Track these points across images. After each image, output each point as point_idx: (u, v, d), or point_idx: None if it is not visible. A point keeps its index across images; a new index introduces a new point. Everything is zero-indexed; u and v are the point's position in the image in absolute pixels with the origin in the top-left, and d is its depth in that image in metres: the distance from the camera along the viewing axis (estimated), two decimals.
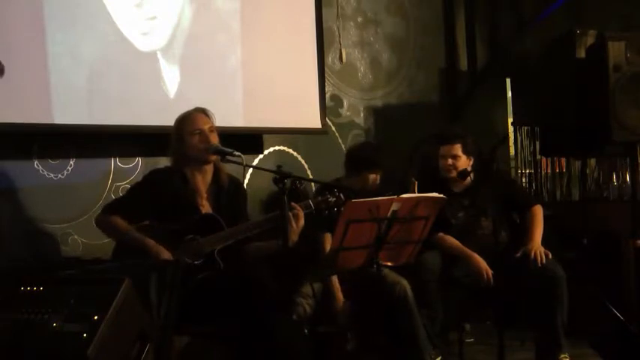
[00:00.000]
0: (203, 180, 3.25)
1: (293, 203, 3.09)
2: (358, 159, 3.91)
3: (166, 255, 3.01)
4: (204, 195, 3.24)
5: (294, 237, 3.06)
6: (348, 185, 3.87)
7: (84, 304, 2.53)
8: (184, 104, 3.39)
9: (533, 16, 5.34)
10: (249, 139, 4.36)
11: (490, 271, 3.74)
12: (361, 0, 5.16)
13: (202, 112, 3.26)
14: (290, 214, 3.03)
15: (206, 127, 3.20)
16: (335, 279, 3.71)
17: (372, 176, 3.86)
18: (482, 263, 3.77)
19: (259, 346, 2.92)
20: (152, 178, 3.27)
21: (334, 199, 3.15)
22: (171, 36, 3.91)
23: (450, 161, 3.95)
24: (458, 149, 3.95)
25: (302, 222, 3.10)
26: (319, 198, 3.17)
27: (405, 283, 3.65)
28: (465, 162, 3.96)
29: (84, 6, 3.54)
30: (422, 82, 5.54)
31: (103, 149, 3.76)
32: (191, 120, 3.22)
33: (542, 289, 3.72)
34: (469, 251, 3.83)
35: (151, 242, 3.03)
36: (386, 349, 3.63)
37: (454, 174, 3.94)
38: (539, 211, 3.98)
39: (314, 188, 4.00)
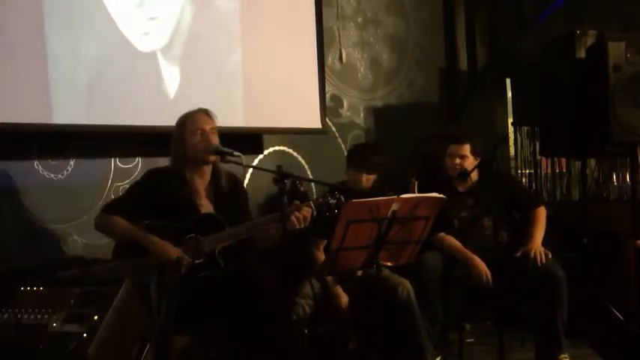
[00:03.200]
0: (202, 180, 3.25)
1: (298, 203, 3.08)
2: (357, 157, 3.97)
3: (173, 251, 3.01)
4: (203, 194, 3.24)
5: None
6: (347, 179, 3.91)
7: (84, 304, 2.54)
8: (184, 104, 3.39)
9: (533, 16, 5.34)
10: (249, 139, 4.35)
11: (489, 274, 3.74)
12: (361, 0, 5.16)
13: (205, 112, 3.26)
14: (298, 215, 3.04)
15: (208, 127, 3.20)
16: (330, 279, 3.70)
17: (365, 176, 3.90)
18: (482, 265, 3.76)
19: (259, 346, 2.92)
20: (150, 177, 3.27)
21: (335, 201, 3.14)
22: (172, 36, 3.91)
23: (457, 160, 3.97)
24: (467, 150, 3.98)
25: (307, 224, 3.10)
26: (320, 200, 3.17)
27: (407, 284, 3.64)
28: (471, 162, 3.97)
29: (84, 6, 3.53)
30: (422, 82, 5.54)
31: (103, 149, 3.75)
32: (193, 120, 3.23)
33: (542, 289, 3.71)
34: (469, 253, 3.83)
35: (155, 239, 3.03)
36: (386, 349, 3.62)
37: None
38: (542, 213, 3.98)
39: (314, 188, 4.00)
